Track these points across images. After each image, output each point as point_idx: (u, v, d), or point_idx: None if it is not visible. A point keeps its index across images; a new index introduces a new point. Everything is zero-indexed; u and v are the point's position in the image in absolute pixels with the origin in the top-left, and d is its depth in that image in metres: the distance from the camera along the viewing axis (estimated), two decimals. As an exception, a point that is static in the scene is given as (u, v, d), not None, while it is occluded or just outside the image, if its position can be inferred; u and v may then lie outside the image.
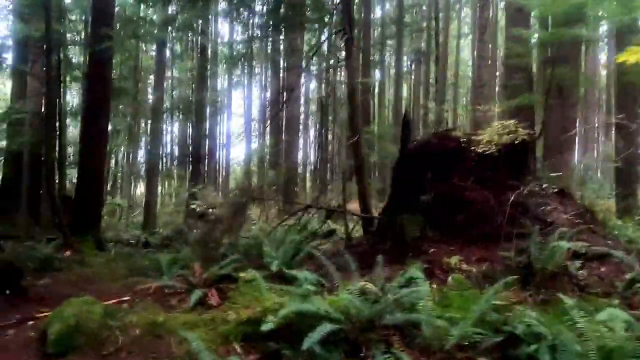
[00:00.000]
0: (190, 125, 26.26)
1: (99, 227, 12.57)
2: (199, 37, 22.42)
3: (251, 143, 29.68)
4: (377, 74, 30.64)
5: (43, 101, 15.05)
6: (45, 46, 11.49)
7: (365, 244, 7.66)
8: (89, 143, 12.38)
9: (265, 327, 3.97)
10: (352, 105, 9.36)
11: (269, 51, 25.71)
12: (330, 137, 32.18)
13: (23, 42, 15.09)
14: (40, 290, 7.23)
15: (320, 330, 3.67)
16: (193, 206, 14.68)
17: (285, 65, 22.98)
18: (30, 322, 5.62)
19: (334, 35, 11.66)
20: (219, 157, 29.92)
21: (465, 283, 4.91)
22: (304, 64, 18.56)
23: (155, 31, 15.50)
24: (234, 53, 24.26)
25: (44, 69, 12.34)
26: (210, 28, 24.63)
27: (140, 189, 31.25)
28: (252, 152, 26.75)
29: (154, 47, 22.79)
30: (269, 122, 17.60)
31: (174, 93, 28.56)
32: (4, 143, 16.88)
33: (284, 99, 17.81)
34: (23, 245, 10.34)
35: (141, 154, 30.72)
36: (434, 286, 4.98)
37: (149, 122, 24.70)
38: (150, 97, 26.01)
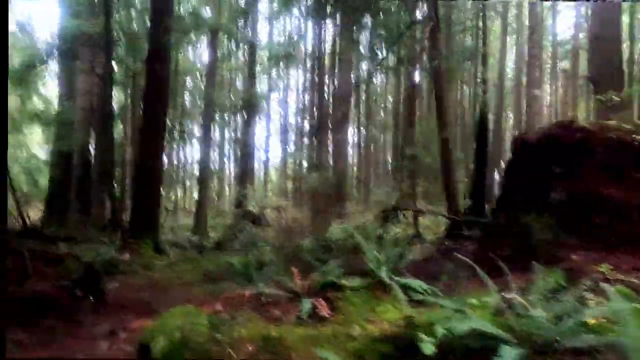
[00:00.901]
0: (235, 126, 25.82)
1: (156, 229, 12.11)
2: (248, 36, 22.00)
3: (297, 144, 29.20)
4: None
5: (92, 101, 14.66)
6: (105, 41, 11.02)
7: (471, 247, 6.92)
8: (147, 143, 11.93)
9: (426, 349, 3.32)
10: (439, 98, 8.67)
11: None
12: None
13: (73, 40, 14.71)
14: (111, 294, 6.76)
15: (505, 356, 3.01)
16: (250, 208, 14.17)
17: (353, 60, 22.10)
18: (123, 335, 5.09)
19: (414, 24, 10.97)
20: (259, 158, 29.51)
21: (632, 296, 4.21)
22: (381, 55, 17.81)
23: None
24: (280, 52, 23.74)
25: (101, 66, 11.90)
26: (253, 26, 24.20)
27: (183, 191, 30.93)
28: (297, 154, 26.24)
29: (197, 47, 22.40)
30: (335, 121, 16.90)
31: (222, 93, 28.15)
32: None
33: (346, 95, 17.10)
34: (81, 247, 9.91)
35: (185, 155, 30.40)
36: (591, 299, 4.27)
37: (189, 123, 24.29)
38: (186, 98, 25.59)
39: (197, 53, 27.71)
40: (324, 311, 5.05)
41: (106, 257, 8.83)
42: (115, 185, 12.34)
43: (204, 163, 20.17)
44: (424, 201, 15.55)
